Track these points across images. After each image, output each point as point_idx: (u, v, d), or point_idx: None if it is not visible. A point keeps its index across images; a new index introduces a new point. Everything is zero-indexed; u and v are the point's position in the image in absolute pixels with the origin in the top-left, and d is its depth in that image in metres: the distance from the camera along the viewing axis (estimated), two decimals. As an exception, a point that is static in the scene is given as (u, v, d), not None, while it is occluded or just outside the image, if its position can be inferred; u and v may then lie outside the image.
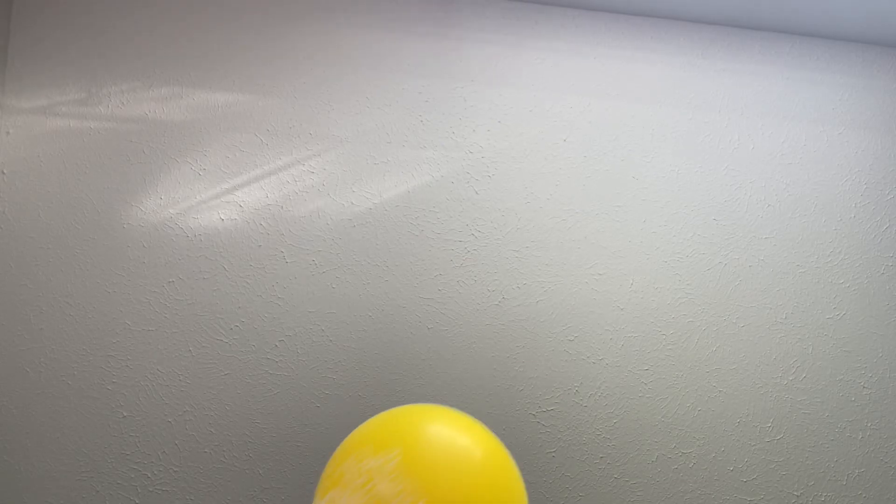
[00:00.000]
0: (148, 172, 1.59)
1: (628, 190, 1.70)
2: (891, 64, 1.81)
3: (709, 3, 1.68)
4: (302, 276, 1.59)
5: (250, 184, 1.61)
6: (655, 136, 1.72)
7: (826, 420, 1.68)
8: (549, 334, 1.63)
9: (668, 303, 1.67)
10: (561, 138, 1.70)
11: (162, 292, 1.56)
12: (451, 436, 1.11)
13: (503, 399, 1.61)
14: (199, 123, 1.61)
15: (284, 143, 1.62)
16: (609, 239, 1.68)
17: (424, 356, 1.60)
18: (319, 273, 1.60)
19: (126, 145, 1.59)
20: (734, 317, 1.69)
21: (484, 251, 1.65)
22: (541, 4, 1.73)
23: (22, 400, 1.51)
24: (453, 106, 1.68)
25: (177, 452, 1.52)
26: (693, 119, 1.74)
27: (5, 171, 1.55)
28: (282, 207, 1.61)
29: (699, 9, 1.71)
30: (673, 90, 1.74)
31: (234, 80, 1.63)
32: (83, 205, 1.56)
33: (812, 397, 1.68)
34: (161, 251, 1.57)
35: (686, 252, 1.70)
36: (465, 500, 1.03)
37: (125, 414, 1.52)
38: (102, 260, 1.55)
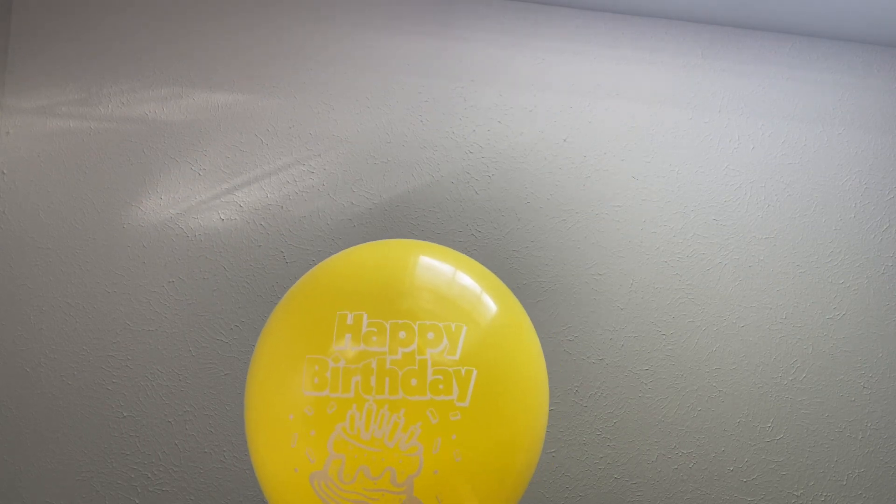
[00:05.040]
0: (148, 172, 1.58)
1: (628, 190, 1.70)
2: (891, 64, 1.81)
3: (709, 3, 1.68)
4: (302, 277, 1.59)
5: (250, 184, 1.61)
6: (655, 136, 1.72)
7: (826, 420, 1.68)
8: (549, 334, 1.63)
9: (668, 303, 1.67)
10: (561, 138, 1.70)
11: (162, 292, 1.56)
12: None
13: (503, 399, 1.61)
14: (199, 123, 1.61)
15: (284, 143, 1.62)
16: (609, 239, 1.68)
17: (424, 356, 1.60)
18: (319, 273, 1.60)
19: (126, 145, 1.59)
20: (734, 317, 1.69)
21: (484, 251, 1.65)
22: (541, 4, 1.73)
23: (22, 400, 1.50)
24: (453, 106, 1.68)
25: (177, 452, 1.52)
26: (693, 119, 1.74)
27: (5, 171, 1.55)
28: (282, 207, 1.61)
29: (699, 9, 1.71)
30: (673, 90, 1.74)
31: (234, 80, 1.63)
32: (83, 205, 1.56)
33: (812, 397, 1.68)
34: (161, 251, 1.57)
35: (686, 252, 1.70)
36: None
37: (125, 414, 1.52)
38: (102, 260, 1.55)
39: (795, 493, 1.66)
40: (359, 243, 1.61)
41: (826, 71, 1.79)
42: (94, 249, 1.55)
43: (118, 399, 1.52)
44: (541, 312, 1.64)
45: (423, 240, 1.63)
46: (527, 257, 1.65)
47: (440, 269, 0.95)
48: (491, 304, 0.93)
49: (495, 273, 1.64)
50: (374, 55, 1.67)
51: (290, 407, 0.87)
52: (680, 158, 1.72)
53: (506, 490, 0.87)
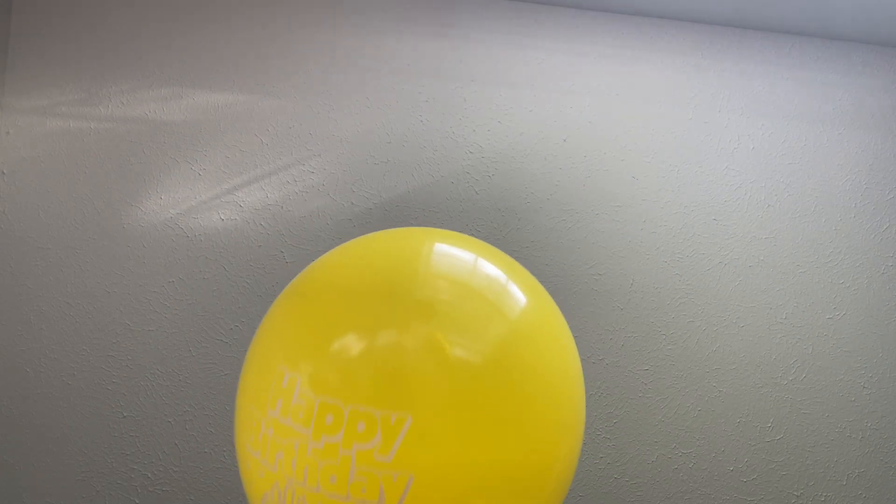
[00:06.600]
0: (148, 172, 1.58)
1: (628, 190, 1.70)
2: (891, 64, 1.81)
3: (709, 3, 1.68)
4: (302, 276, 1.59)
5: (250, 184, 1.61)
6: (655, 136, 1.72)
7: (826, 420, 1.68)
8: (549, 334, 1.63)
9: (668, 303, 1.67)
10: (561, 138, 1.70)
11: (162, 292, 1.56)
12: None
13: (503, 399, 1.61)
14: (199, 123, 1.61)
15: (284, 143, 1.62)
16: (609, 239, 1.68)
17: (424, 356, 1.60)
18: (319, 273, 1.60)
19: (126, 145, 1.59)
20: (734, 317, 1.69)
21: (484, 251, 1.64)
22: (541, 4, 1.73)
23: (22, 400, 1.50)
24: (453, 106, 1.68)
25: (177, 452, 1.52)
26: (693, 119, 1.74)
27: (5, 171, 1.55)
28: (282, 207, 1.61)
29: (699, 9, 1.71)
30: (673, 90, 1.74)
31: (234, 80, 1.63)
32: (83, 205, 1.56)
33: (812, 397, 1.68)
34: (161, 251, 1.57)
35: (686, 252, 1.70)
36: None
37: (125, 414, 1.52)
38: (102, 260, 1.55)
39: (795, 493, 1.66)
40: (359, 243, 1.61)
41: (826, 71, 1.79)
42: (94, 249, 1.55)
43: (118, 399, 1.52)
44: (541, 312, 1.63)
45: (423, 240, 1.63)
46: (527, 257, 1.65)
47: (427, 271, 0.74)
48: (483, 372, 0.70)
49: (495, 273, 1.64)
50: (374, 55, 1.67)
51: (244, 455, 0.75)
52: (680, 158, 1.72)
53: None
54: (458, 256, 0.75)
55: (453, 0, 1.70)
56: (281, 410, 0.67)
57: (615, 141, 1.71)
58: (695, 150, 1.73)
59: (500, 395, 0.68)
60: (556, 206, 1.68)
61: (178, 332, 1.55)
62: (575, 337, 1.64)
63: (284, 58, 1.64)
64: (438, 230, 0.87)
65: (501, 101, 1.69)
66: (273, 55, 1.64)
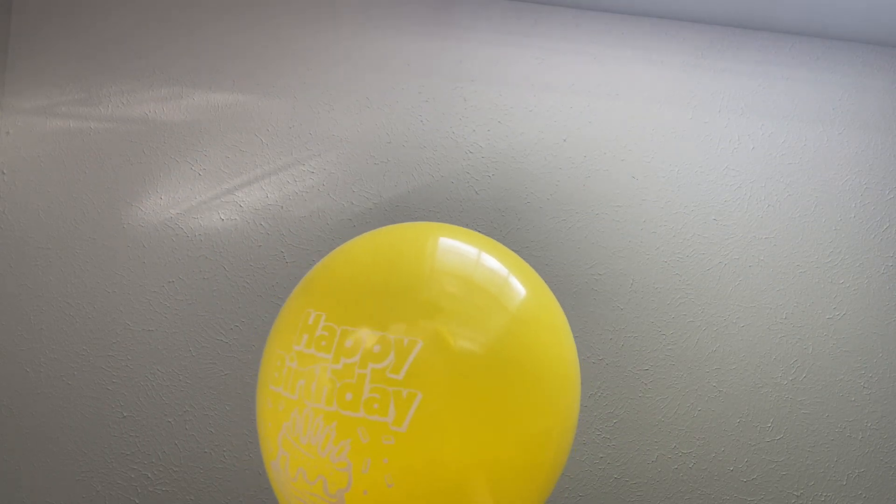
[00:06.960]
0: (148, 172, 1.58)
1: (628, 190, 1.70)
2: (891, 64, 1.81)
3: (709, 3, 1.68)
4: (302, 277, 1.59)
5: (250, 184, 1.61)
6: (655, 136, 1.72)
7: (826, 420, 1.68)
8: (549, 334, 1.63)
9: (668, 303, 1.67)
10: (561, 138, 1.70)
11: (162, 292, 1.56)
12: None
13: (503, 399, 1.60)
14: (199, 123, 1.61)
15: (284, 143, 1.62)
16: (609, 239, 1.68)
17: (424, 356, 1.60)
18: (319, 273, 1.59)
19: (126, 145, 1.59)
20: (734, 317, 1.69)
21: (484, 251, 1.64)
22: (541, 4, 1.73)
23: (22, 400, 1.50)
24: (453, 106, 1.68)
25: (177, 452, 1.52)
26: (693, 119, 1.74)
27: (5, 171, 1.55)
28: (282, 207, 1.61)
29: (699, 9, 1.71)
30: (673, 90, 1.74)
31: (234, 80, 1.63)
32: (83, 205, 1.56)
33: (812, 397, 1.68)
34: (161, 251, 1.57)
35: (686, 252, 1.70)
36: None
37: (125, 414, 1.52)
38: (102, 260, 1.55)
39: (795, 493, 1.66)
40: (359, 243, 1.61)
41: (826, 71, 1.79)
42: (94, 249, 1.55)
43: (118, 399, 1.52)
44: (541, 312, 1.63)
45: (423, 240, 1.63)
46: (527, 257, 1.65)
47: (433, 266, 0.87)
48: (488, 318, 0.82)
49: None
50: (374, 55, 1.67)
51: (264, 395, 0.86)
52: (680, 158, 1.72)
53: None
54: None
55: (453, 0, 1.70)
56: (306, 343, 0.77)
57: (615, 141, 1.71)
58: (695, 150, 1.73)
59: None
60: (556, 206, 1.68)
61: (178, 332, 1.55)
62: (575, 337, 1.64)
63: (284, 58, 1.64)
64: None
65: (501, 101, 1.69)
66: (273, 55, 1.64)
